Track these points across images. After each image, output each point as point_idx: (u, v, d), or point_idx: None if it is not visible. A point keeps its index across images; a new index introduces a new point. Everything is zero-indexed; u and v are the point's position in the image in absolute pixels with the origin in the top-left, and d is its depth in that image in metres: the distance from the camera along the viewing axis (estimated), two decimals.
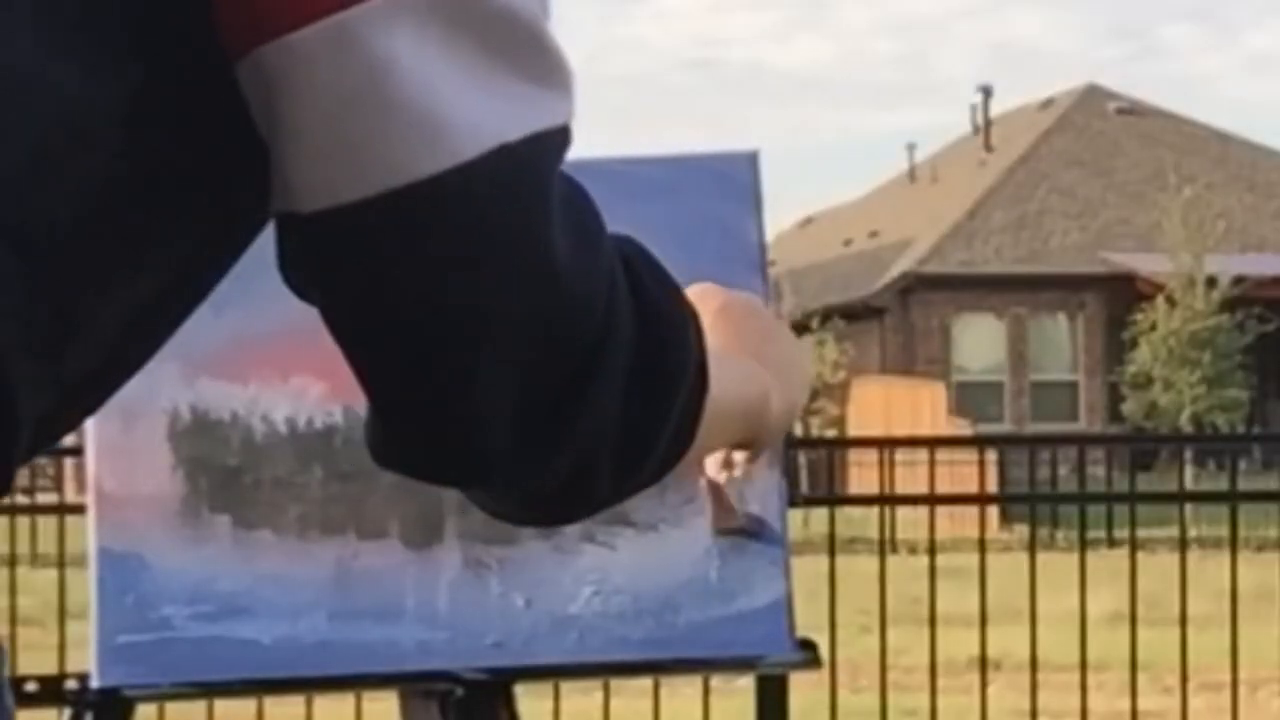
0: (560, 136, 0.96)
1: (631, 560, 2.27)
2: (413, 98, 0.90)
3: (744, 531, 2.28)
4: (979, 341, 32.15)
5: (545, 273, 0.94)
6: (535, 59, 0.94)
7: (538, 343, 0.95)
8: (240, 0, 0.89)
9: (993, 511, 12.52)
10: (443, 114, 0.90)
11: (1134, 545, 5.58)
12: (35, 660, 4.91)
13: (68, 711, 2.34)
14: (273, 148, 0.91)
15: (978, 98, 38.18)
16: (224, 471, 2.28)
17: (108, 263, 0.89)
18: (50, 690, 2.35)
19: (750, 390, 1.20)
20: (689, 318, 1.06)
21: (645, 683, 5.28)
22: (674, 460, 1.07)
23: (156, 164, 0.90)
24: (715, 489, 1.69)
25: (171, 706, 4.06)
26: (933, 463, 5.65)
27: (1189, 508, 6.13)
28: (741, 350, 1.23)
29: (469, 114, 0.91)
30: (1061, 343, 32.46)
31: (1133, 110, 36.23)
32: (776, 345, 1.28)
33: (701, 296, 1.28)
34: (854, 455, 12.97)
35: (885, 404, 27.51)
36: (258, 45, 0.89)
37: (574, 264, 0.95)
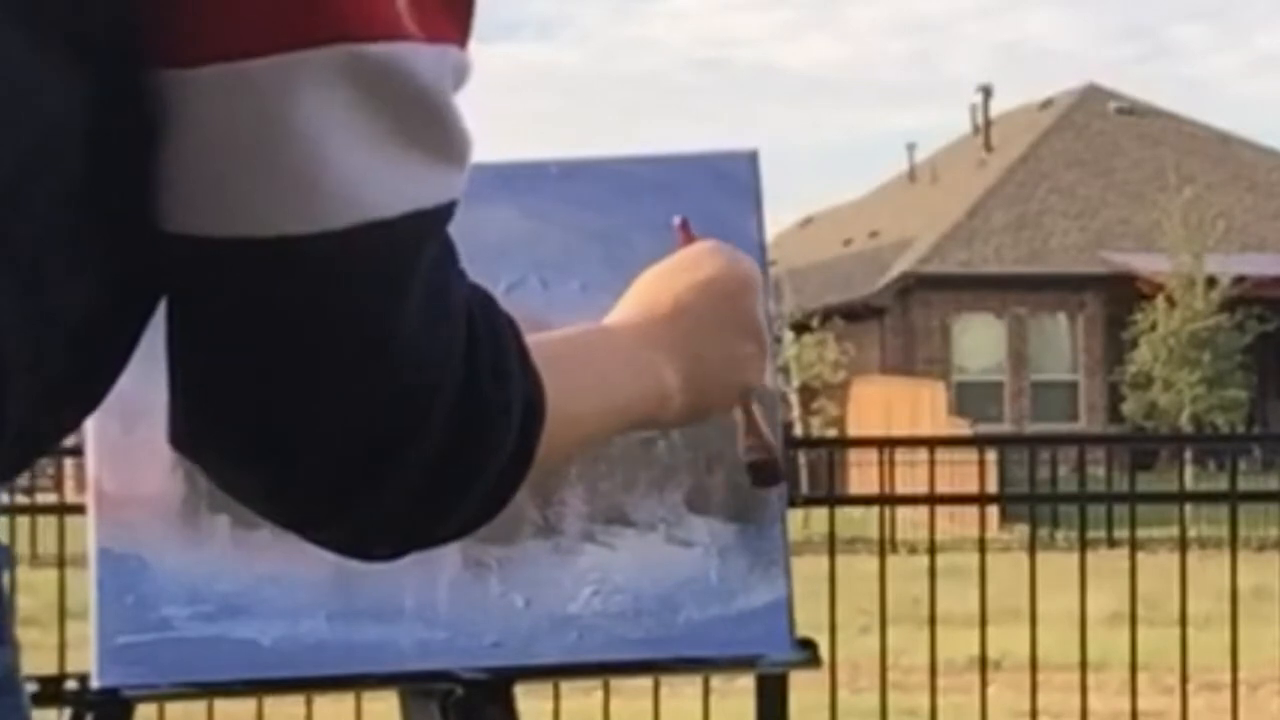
0: (445, 212, 0.96)
1: (631, 560, 2.27)
2: (297, 157, 0.89)
3: (772, 466, 2.25)
4: (979, 341, 32.15)
5: (383, 349, 0.94)
6: (436, 134, 0.94)
7: (354, 407, 0.95)
8: (151, 22, 0.88)
9: (993, 511, 12.52)
10: (323, 179, 0.90)
11: (1134, 545, 5.58)
12: (35, 660, 4.91)
13: (68, 711, 2.34)
14: (155, 158, 0.90)
15: (978, 97, 38.23)
16: None
17: (73, 271, 0.89)
18: (50, 690, 2.35)
19: (635, 397, 1.22)
20: (515, 401, 1.04)
21: (645, 683, 5.28)
22: (484, 516, 1.08)
23: (111, 172, 0.89)
24: (748, 413, 1.63)
25: (171, 706, 4.06)
26: (933, 463, 5.65)
27: (1189, 508, 6.13)
28: (675, 337, 1.25)
29: (351, 184, 0.90)
30: (1061, 343, 32.46)
31: (1133, 110, 36.23)
32: (717, 351, 1.28)
33: (693, 263, 1.32)
34: (854, 455, 12.96)
35: (885, 404, 27.51)
36: (159, 67, 0.89)
37: (414, 345, 0.95)
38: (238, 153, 0.89)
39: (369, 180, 0.91)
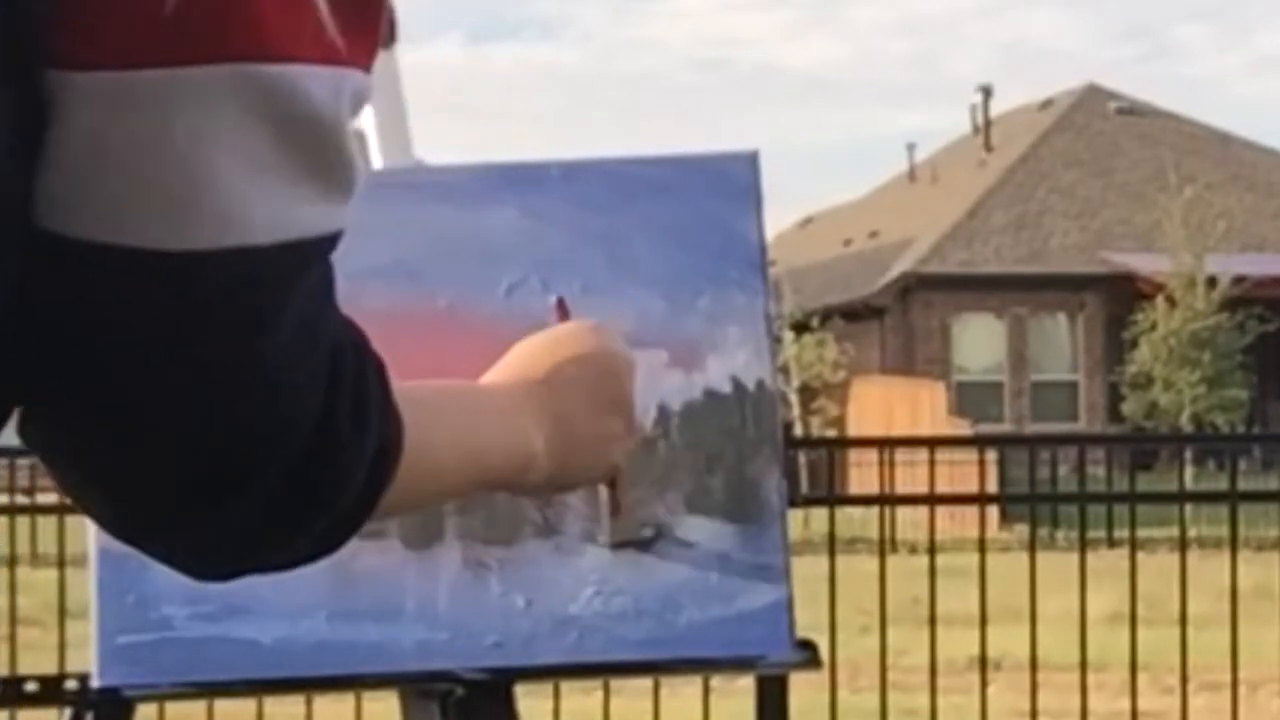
0: (325, 244, 0.93)
1: (632, 560, 2.27)
2: (173, 173, 0.87)
3: (641, 542, 2.30)
4: (979, 341, 32.16)
5: (240, 376, 0.92)
6: (324, 162, 0.91)
7: (202, 430, 0.93)
8: (45, 22, 0.87)
9: (993, 511, 12.52)
10: (198, 198, 0.88)
11: (1134, 545, 5.58)
12: (35, 660, 4.92)
13: (68, 711, 2.34)
14: (35, 153, 0.89)
15: (978, 98, 38.24)
16: None
17: None
18: (50, 690, 2.35)
19: (500, 456, 1.24)
20: (369, 445, 1.03)
21: (645, 683, 5.29)
22: (320, 550, 1.06)
23: (17, 172, 0.88)
24: (614, 492, 1.75)
25: (171, 706, 4.06)
26: (933, 463, 5.65)
27: (1189, 508, 6.14)
28: (547, 403, 1.28)
29: (227, 206, 0.88)
30: (1061, 343, 32.47)
31: (1133, 110, 36.24)
32: (586, 424, 1.31)
33: (572, 339, 1.35)
34: (854, 455, 12.97)
35: (885, 404, 27.53)
36: (45, 66, 0.88)
37: (274, 376, 0.93)
38: (116, 160, 0.87)
39: (246, 204, 0.89)
